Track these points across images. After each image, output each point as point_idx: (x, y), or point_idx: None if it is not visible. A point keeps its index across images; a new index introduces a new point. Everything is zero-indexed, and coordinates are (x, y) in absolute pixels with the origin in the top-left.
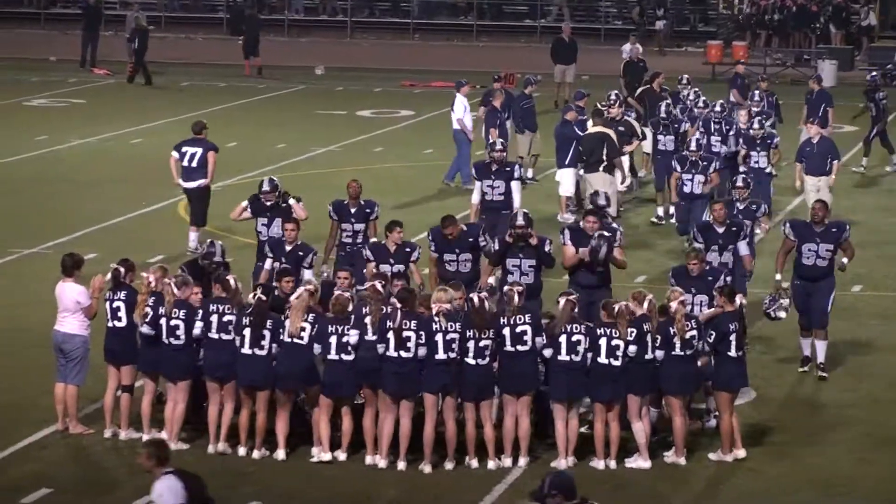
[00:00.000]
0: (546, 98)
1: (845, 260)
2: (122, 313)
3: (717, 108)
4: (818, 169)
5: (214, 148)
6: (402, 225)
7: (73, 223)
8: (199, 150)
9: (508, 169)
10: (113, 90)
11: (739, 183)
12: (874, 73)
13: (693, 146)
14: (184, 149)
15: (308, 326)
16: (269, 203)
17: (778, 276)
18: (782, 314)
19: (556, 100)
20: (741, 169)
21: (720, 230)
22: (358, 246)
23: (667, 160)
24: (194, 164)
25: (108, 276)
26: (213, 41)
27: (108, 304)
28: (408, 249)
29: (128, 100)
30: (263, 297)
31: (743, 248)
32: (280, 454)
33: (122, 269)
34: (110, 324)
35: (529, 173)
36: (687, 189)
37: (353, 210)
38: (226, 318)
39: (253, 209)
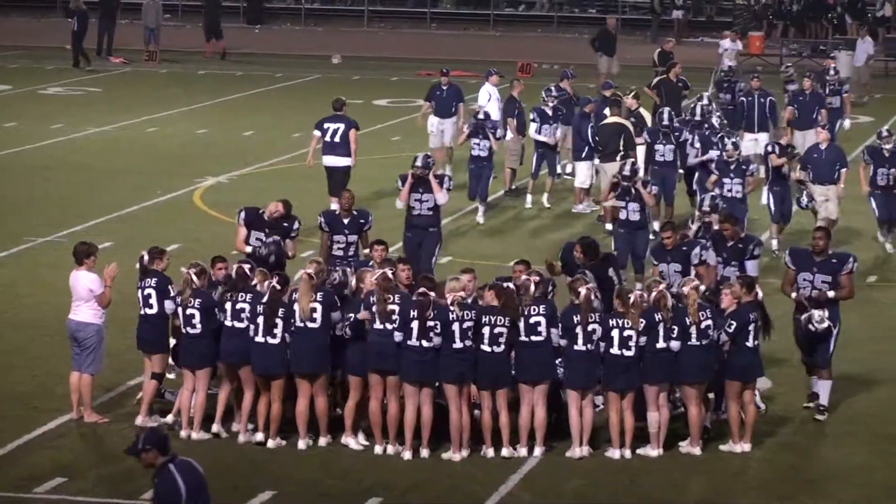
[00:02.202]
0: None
1: (832, 293)
2: (154, 300)
3: (715, 122)
4: (826, 177)
5: (356, 125)
6: (386, 244)
7: (88, 212)
8: (342, 126)
9: (437, 180)
10: (129, 78)
11: (706, 206)
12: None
13: (627, 169)
14: (325, 125)
15: (319, 307)
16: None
17: (794, 294)
18: (824, 324)
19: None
20: (712, 192)
21: (728, 244)
22: (350, 259)
23: (664, 172)
24: (337, 139)
25: (137, 264)
26: (230, 30)
27: (138, 291)
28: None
29: (144, 88)
30: (278, 287)
31: (751, 267)
32: (301, 444)
33: (146, 256)
34: (142, 311)
35: (569, 168)
36: (623, 216)
37: (345, 221)
38: (238, 306)
39: (247, 221)
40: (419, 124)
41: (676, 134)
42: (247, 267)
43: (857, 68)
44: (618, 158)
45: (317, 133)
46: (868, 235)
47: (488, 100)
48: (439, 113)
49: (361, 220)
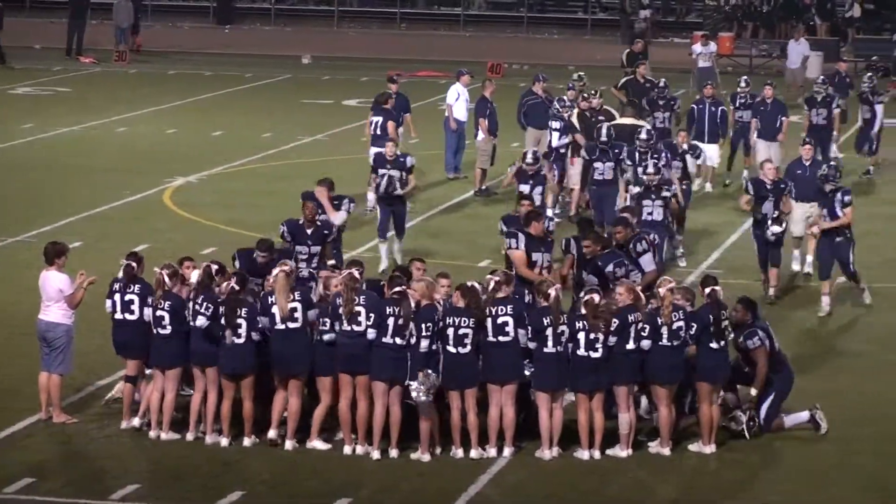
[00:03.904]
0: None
1: (753, 391)
2: (136, 306)
3: (643, 136)
4: (809, 195)
5: (395, 119)
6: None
7: (57, 211)
8: (381, 119)
9: (336, 202)
10: (99, 78)
11: (650, 169)
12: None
13: (529, 157)
14: (371, 118)
15: (298, 305)
16: (262, 261)
17: (753, 392)
18: (740, 427)
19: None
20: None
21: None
22: (313, 270)
23: (604, 191)
24: (378, 131)
25: (121, 272)
26: (200, 30)
27: (118, 296)
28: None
29: (114, 88)
30: (236, 287)
31: (646, 262)
32: (271, 433)
33: (135, 264)
34: (119, 316)
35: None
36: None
37: (309, 231)
38: (196, 308)
39: (241, 263)
40: (368, 133)
41: (616, 151)
42: (214, 268)
43: (792, 70)
44: None
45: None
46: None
47: (456, 99)
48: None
49: (325, 231)
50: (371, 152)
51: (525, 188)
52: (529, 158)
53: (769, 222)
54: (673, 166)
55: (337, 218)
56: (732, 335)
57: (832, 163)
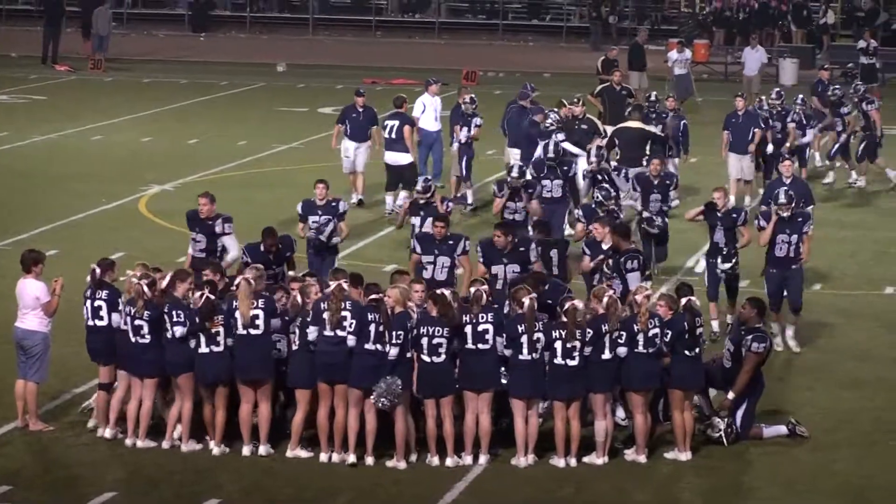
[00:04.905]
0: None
1: (731, 395)
2: (104, 312)
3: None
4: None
5: (411, 122)
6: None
7: (33, 220)
8: (397, 123)
9: (210, 222)
10: (74, 86)
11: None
12: (836, 88)
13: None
14: (385, 122)
15: (261, 313)
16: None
17: (731, 395)
18: (716, 434)
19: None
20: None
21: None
22: (279, 286)
23: (551, 209)
24: (393, 135)
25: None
26: (175, 38)
27: (88, 302)
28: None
29: (89, 96)
30: (211, 296)
31: (633, 280)
32: (245, 450)
33: (97, 269)
34: (90, 322)
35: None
36: (427, 274)
37: (272, 258)
38: (170, 316)
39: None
40: (333, 147)
41: (565, 168)
42: (150, 268)
43: (749, 77)
44: (643, 163)
45: (379, 129)
46: (821, 239)
47: (422, 111)
48: (354, 136)
49: (288, 254)
50: (385, 157)
51: (416, 221)
52: (420, 186)
53: (720, 258)
54: (651, 200)
55: (231, 254)
56: (743, 332)
57: (787, 189)
